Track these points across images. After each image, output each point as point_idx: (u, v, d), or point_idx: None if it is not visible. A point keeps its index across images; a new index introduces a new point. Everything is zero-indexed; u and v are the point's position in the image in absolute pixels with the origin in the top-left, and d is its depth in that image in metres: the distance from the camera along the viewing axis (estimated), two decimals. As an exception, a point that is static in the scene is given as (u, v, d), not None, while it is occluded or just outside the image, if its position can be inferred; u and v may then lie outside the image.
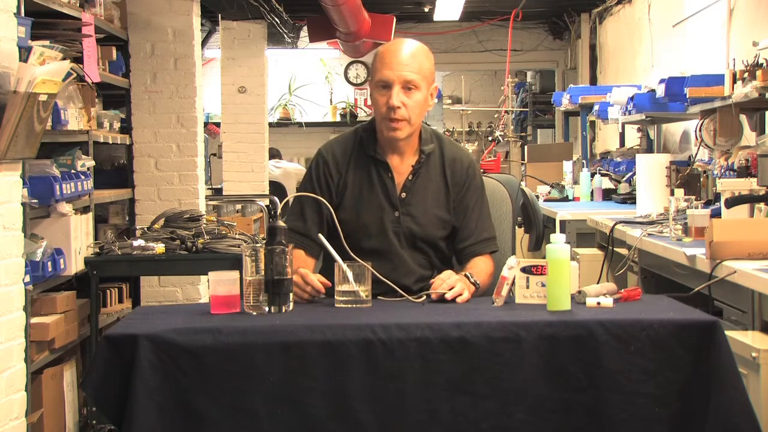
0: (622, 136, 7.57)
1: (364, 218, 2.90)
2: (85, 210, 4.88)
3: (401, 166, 2.97)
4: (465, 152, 3.10)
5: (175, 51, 6.44)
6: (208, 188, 8.47)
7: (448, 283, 2.71)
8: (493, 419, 2.35)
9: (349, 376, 2.35)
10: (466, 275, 2.80)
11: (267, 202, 7.63)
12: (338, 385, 2.35)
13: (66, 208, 4.52)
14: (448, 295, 2.66)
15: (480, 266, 2.94)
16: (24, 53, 3.57)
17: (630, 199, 6.01)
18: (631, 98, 5.89)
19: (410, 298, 2.67)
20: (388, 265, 2.83)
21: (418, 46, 2.93)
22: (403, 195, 2.95)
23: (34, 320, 4.01)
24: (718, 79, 4.38)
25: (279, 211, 2.71)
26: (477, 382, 2.36)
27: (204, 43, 9.81)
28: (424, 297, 2.69)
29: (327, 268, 2.84)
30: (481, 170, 3.21)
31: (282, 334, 2.38)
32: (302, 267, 2.77)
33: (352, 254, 2.68)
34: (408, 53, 2.89)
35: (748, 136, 4.67)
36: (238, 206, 8.01)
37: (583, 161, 7.82)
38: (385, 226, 2.92)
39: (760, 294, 2.95)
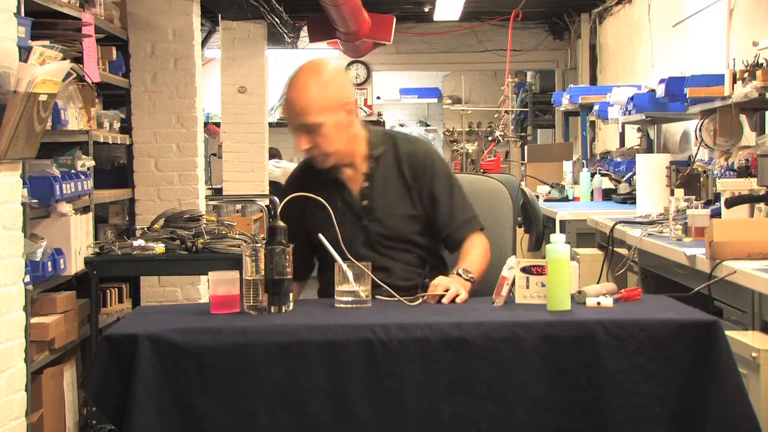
0: (622, 136, 7.57)
1: (335, 236, 2.82)
2: (85, 210, 4.88)
3: (356, 177, 2.99)
4: (420, 144, 3.09)
5: (175, 51, 6.44)
6: (208, 188, 8.47)
7: (442, 286, 2.71)
8: (493, 419, 2.35)
9: (349, 376, 2.35)
10: (458, 273, 2.80)
11: (267, 202, 7.63)
12: (338, 385, 2.35)
13: (66, 208, 4.52)
14: (445, 300, 2.66)
15: (470, 251, 2.95)
16: (24, 53, 3.56)
17: (630, 199, 6.01)
18: (631, 98, 5.89)
19: (404, 300, 2.67)
20: (375, 273, 2.79)
21: (314, 79, 2.86)
22: (365, 203, 2.97)
23: (34, 320, 4.01)
24: (718, 79, 4.38)
25: (279, 211, 2.70)
26: (477, 382, 2.36)
27: (204, 43, 9.81)
28: (420, 300, 2.68)
29: (326, 269, 2.84)
30: (473, 169, 3.20)
31: (282, 334, 2.38)
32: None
33: (349, 256, 2.67)
34: (303, 98, 2.85)
35: (748, 136, 4.67)
36: (238, 206, 8.00)
37: (583, 161, 7.83)
38: (356, 238, 2.92)
39: (760, 294, 2.95)
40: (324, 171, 2.99)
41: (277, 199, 7.60)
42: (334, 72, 2.93)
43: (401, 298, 2.67)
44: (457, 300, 2.68)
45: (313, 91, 2.85)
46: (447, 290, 2.69)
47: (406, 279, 2.96)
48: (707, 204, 4.51)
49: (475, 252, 2.96)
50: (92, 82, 5.00)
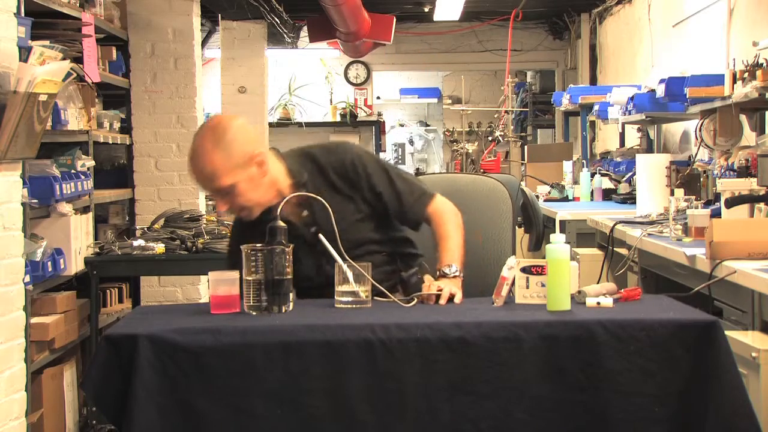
0: (622, 136, 7.57)
1: (300, 273, 2.78)
2: (85, 210, 4.88)
3: (293, 210, 2.90)
4: (341, 151, 3.00)
5: (175, 51, 6.44)
6: (208, 188, 8.45)
7: (435, 284, 2.71)
8: (493, 419, 2.35)
9: (349, 376, 2.35)
10: (444, 273, 2.80)
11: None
12: (338, 385, 2.35)
13: (66, 208, 4.52)
14: (441, 301, 2.66)
15: (443, 233, 2.93)
16: (24, 53, 3.57)
17: (630, 199, 6.01)
18: (631, 98, 5.89)
19: (399, 300, 2.66)
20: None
21: (213, 144, 2.77)
22: (313, 229, 2.89)
23: (34, 320, 4.01)
24: (718, 79, 4.38)
25: (279, 211, 2.70)
26: (477, 382, 2.36)
27: (204, 43, 9.81)
28: (415, 301, 2.68)
29: (325, 268, 2.83)
30: (473, 169, 3.20)
31: (282, 334, 2.38)
32: None
33: (347, 256, 2.66)
34: (209, 164, 2.77)
35: (748, 136, 4.67)
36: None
37: (583, 161, 7.83)
38: (321, 265, 2.85)
39: (760, 294, 2.95)
40: (260, 218, 2.89)
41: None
42: (236, 129, 2.81)
43: (396, 299, 2.67)
44: (455, 300, 2.68)
45: (218, 156, 2.76)
46: (440, 290, 2.69)
47: (383, 281, 2.89)
48: (707, 204, 4.51)
49: (448, 233, 2.93)
50: (92, 82, 5.01)
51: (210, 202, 7.35)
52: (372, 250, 2.95)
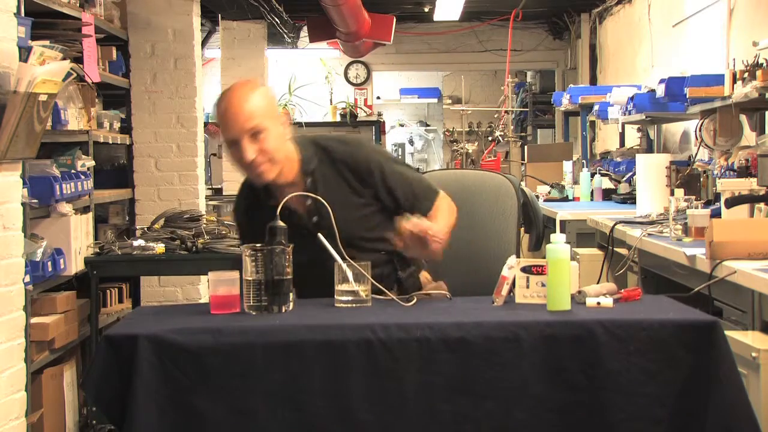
0: (622, 136, 7.57)
1: (303, 262, 2.74)
2: (85, 210, 4.88)
3: (299, 200, 2.91)
4: (354, 146, 3.02)
5: (175, 51, 6.44)
6: (208, 188, 8.46)
7: (413, 223, 2.72)
8: (493, 419, 2.35)
9: (349, 376, 2.35)
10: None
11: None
12: (338, 385, 2.35)
13: (66, 208, 4.52)
14: (411, 227, 2.70)
15: (436, 215, 2.94)
16: (24, 53, 3.57)
17: (630, 199, 6.01)
18: (631, 98, 5.89)
19: (398, 299, 2.66)
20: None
21: (253, 93, 2.86)
22: (315, 219, 2.91)
23: (34, 320, 4.01)
24: (718, 79, 4.38)
25: (278, 210, 2.70)
26: (477, 382, 2.36)
27: (204, 43, 9.81)
28: (415, 300, 2.68)
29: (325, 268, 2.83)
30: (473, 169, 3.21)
31: (282, 334, 2.38)
32: None
33: (346, 256, 2.66)
34: (242, 105, 2.82)
35: (748, 136, 4.67)
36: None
37: (583, 161, 7.83)
38: (320, 256, 2.78)
39: (760, 294, 2.95)
40: (264, 200, 2.91)
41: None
42: (267, 88, 2.96)
43: (396, 298, 2.67)
44: (434, 241, 2.70)
45: (256, 99, 2.84)
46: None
47: (381, 276, 2.86)
48: (707, 204, 4.51)
49: (440, 214, 2.95)
50: (92, 82, 5.01)
51: (211, 202, 7.35)
52: (372, 247, 2.94)
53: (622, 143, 7.56)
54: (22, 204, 3.63)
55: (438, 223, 2.86)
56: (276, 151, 2.85)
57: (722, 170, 4.41)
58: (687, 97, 4.58)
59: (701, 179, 4.97)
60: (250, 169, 2.86)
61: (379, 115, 11.98)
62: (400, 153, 13.72)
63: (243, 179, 3.06)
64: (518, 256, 3.14)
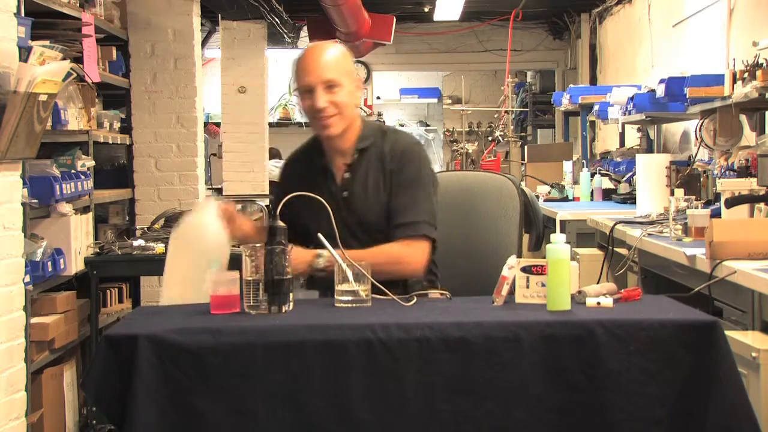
0: (622, 136, 7.57)
1: (317, 225, 2.82)
2: (85, 210, 4.88)
3: (341, 166, 3.02)
4: (406, 139, 3.06)
5: (175, 51, 6.44)
6: (208, 188, 8.47)
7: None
8: (493, 419, 2.35)
9: (349, 376, 2.35)
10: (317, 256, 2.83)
11: (267, 202, 7.63)
12: (338, 385, 2.35)
13: (66, 208, 4.52)
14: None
15: (375, 250, 2.88)
16: (24, 53, 3.57)
17: (630, 199, 6.01)
18: (631, 98, 5.89)
19: (398, 299, 2.66)
20: None
21: (334, 48, 3.00)
22: (345, 194, 2.99)
23: (34, 320, 4.01)
24: (718, 79, 4.38)
25: (278, 210, 2.70)
26: (477, 382, 2.36)
27: (204, 43, 9.81)
28: (415, 300, 2.68)
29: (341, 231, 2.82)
30: (473, 169, 3.21)
31: (282, 334, 2.38)
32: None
33: (346, 255, 2.66)
34: (324, 56, 2.95)
35: (748, 136, 4.67)
36: (238, 206, 7.99)
37: (583, 161, 7.83)
38: (336, 228, 2.82)
39: (760, 294, 2.95)
40: (318, 157, 3.03)
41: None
42: (348, 51, 3.05)
43: (396, 298, 2.67)
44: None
45: (336, 55, 2.97)
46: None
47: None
48: (707, 204, 4.51)
49: (378, 251, 2.87)
50: (92, 82, 5.01)
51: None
52: (386, 240, 2.96)
53: (622, 143, 7.56)
54: (22, 204, 3.63)
55: (360, 253, 2.79)
56: (346, 108, 2.94)
57: (722, 170, 4.41)
58: (687, 97, 4.58)
59: (701, 179, 4.97)
60: (319, 119, 2.95)
61: (379, 115, 12.00)
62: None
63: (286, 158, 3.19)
64: (519, 257, 3.14)
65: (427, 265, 2.97)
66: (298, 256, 2.78)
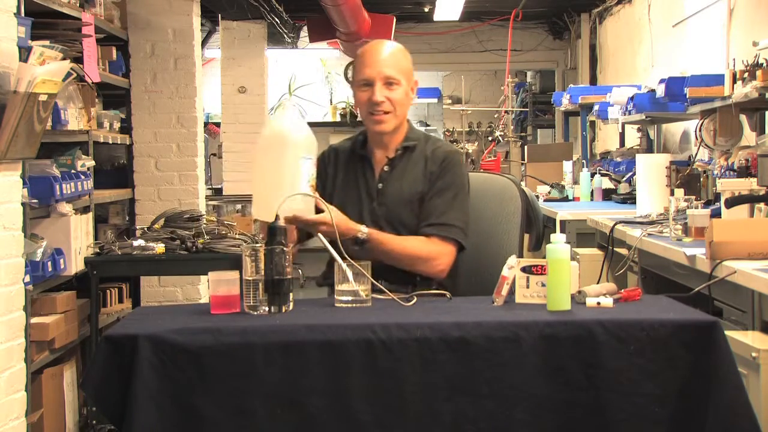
0: (622, 136, 7.57)
1: (347, 212, 2.95)
2: (85, 210, 4.88)
3: (382, 160, 3.10)
4: (448, 147, 3.17)
5: (175, 51, 6.44)
6: (208, 188, 8.47)
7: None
8: (493, 419, 2.35)
9: (349, 376, 2.35)
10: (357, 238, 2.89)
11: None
12: (338, 385, 2.35)
13: (66, 208, 4.52)
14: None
15: (411, 240, 2.97)
16: (24, 53, 3.57)
17: (630, 199, 6.01)
18: (631, 98, 5.89)
19: (398, 299, 2.66)
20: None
21: (396, 46, 3.09)
22: (380, 186, 3.07)
23: (34, 320, 4.01)
24: (718, 79, 4.38)
25: (278, 211, 2.70)
26: (477, 382, 2.36)
27: (204, 43, 9.81)
28: (415, 300, 2.68)
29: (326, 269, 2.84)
30: (473, 169, 3.28)
31: (282, 334, 2.38)
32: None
33: (345, 255, 2.66)
34: (386, 52, 3.04)
35: (748, 136, 4.67)
36: (238, 206, 8.01)
37: (583, 161, 7.83)
38: (363, 217, 3.00)
39: (760, 294, 2.95)
40: (362, 148, 3.12)
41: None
42: (408, 53, 3.13)
43: (396, 298, 2.67)
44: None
45: (399, 54, 3.06)
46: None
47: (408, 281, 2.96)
48: (707, 204, 4.51)
49: (412, 241, 2.98)
50: (92, 82, 5.00)
51: (211, 202, 7.36)
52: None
53: (622, 143, 7.56)
54: (22, 204, 3.63)
55: (394, 239, 2.94)
56: (400, 106, 3.03)
57: (722, 170, 4.41)
58: (687, 97, 4.58)
59: (701, 179, 4.97)
60: (374, 113, 3.03)
61: (379, 115, 11.98)
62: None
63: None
64: (521, 257, 3.14)
65: (449, 270, 3.01)
66: (347, 224, 2.88)
